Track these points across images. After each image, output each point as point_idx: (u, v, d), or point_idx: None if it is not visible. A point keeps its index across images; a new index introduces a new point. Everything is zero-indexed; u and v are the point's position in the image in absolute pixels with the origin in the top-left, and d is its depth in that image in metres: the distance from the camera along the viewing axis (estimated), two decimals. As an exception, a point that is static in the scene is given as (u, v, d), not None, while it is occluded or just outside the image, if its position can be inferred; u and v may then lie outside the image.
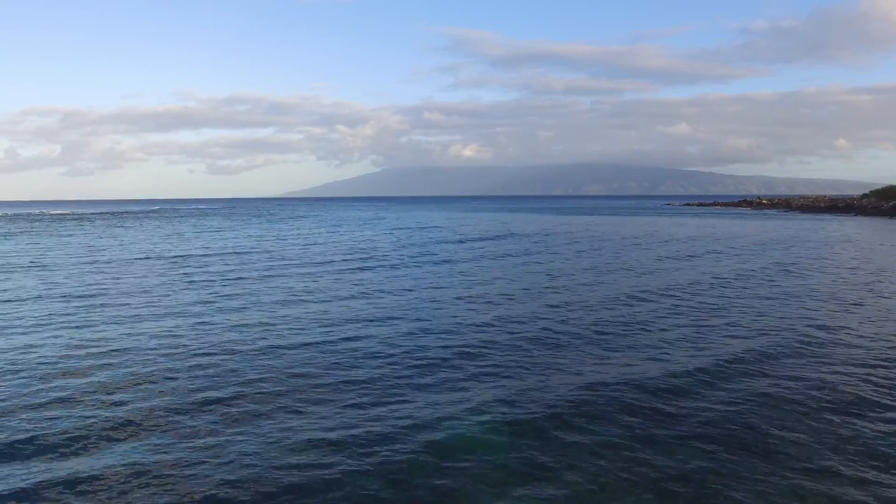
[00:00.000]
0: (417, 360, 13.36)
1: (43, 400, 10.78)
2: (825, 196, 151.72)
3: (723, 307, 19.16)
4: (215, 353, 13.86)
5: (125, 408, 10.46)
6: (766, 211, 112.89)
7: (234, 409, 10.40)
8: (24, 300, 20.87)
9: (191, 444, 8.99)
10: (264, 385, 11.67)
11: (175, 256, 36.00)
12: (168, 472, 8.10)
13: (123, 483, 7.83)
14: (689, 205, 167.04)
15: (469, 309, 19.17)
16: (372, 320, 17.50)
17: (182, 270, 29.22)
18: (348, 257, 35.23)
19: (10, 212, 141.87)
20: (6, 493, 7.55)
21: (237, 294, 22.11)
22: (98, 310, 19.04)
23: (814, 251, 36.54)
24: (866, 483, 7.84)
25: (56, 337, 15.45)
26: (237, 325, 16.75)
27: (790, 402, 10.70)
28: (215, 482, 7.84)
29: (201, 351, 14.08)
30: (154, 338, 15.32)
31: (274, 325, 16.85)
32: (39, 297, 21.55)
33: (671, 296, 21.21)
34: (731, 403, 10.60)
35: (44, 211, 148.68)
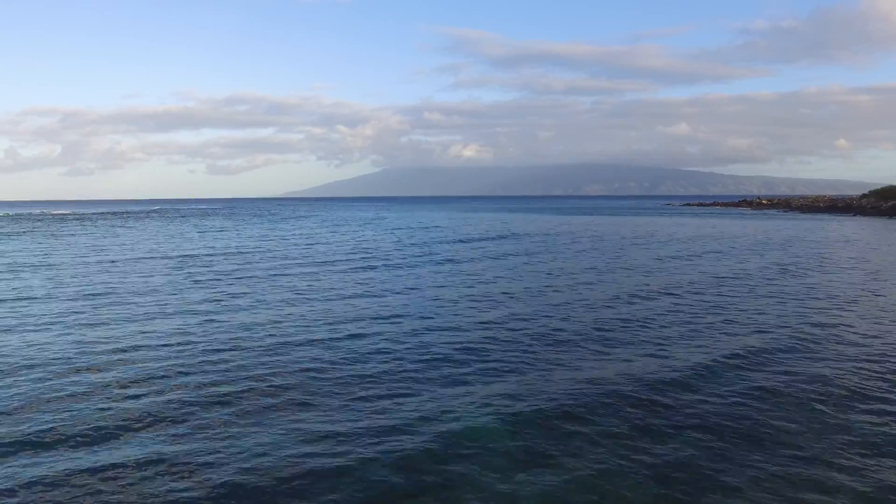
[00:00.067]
0: (422, 356, 13.74)
1: (61, 394, 11.15)
2: (825, 196, 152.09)
3: (721, 306, 19.53)
4: (225, 350, 14.23)
5: (141, 401, 10.82)
6: (766, 211, 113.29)
7: (245, 403, 10.77)
8: (34, 299, 21.24)
9: (206, 435, 9.36)
10: (274, 380, 12.04)
11: (180, 256, 36.37)
12: (187, 461, 8.47)
13: (145, 470, 8.21)
14: (689, 205, 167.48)
15: (471, 307, 19.54)
16: (376, 318, 17.87)
17: (187, 270, 29.60)
18: (351, 257, 35.61)
19: (11, 212, 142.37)
20: (34, 479, 7.93)
21: (243, 293, 22.49)
22: (107, 308, 19.41)
23: (812, 251, 36.91)
24: (854, 469, 8.21)
25: (68, 334, 15.82)
26: (245, 323, 17.12)
27: (784, 394, 11.08)
28: (233, 469, 8.22)
29: (211, 348, 14.45)
30: (164, 335, 15.69)
31: (281, 322, 17.22)
32: (49, 296, 21.92)
33: (671, 294, 21.58)
34: (726, 396, 10.97)
35: (45, 211, 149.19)
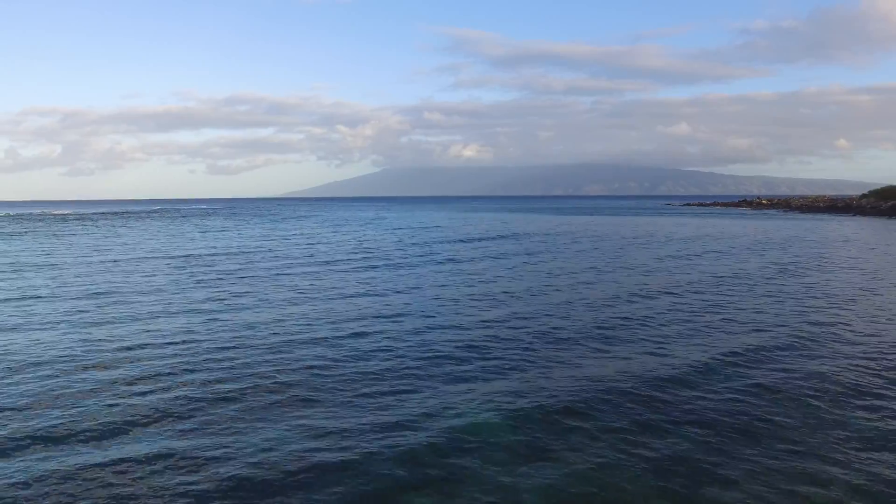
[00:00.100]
0: (424, 353, 13.92)
1: (70, 391, 11.33)
2: (825, 196, 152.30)
3: (720, 305, 19.71)
4: (229, 348, 14.41)
5: (148, 398, 11.01)
6: (766, 211, 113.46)
7: (251, 399, 10.96)
8: (39, 298, 21.43)
9: (214, 430, 9.54)
10: (278, 377, 12.22)
11: (182, 256, 36.56)
12: (195, 455, 8.65)
13: (154, 464, 8.39)
14: (689, 205, 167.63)
15: (472, 306, 19.73)
16: (378, 317, 18.05)
17: (190, 269, 29.78)
18: (353, 256, 35.80)
19: (12, 212, 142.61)
20: (47, 473, 8.11)
21: (246, 292, 22.67)
22: (112, 307, 19.60)
23: (811, 251, 37.08)
24: (849, 463, 8.39)
25: (74, 333, 16.00)
26: (248, 322, 17.30)
27: (781, 391, 11.26)
28: (241, 464, 8.40)
29: (216, 346, 14.63)
30: (169, 334, 15.87)
31: (284, 321, 17.40)
32: (53, 295, 22.11)
33: (670, 294, 21.76)
34: (724, 392, 11.16)
35: (46, 211, 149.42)
